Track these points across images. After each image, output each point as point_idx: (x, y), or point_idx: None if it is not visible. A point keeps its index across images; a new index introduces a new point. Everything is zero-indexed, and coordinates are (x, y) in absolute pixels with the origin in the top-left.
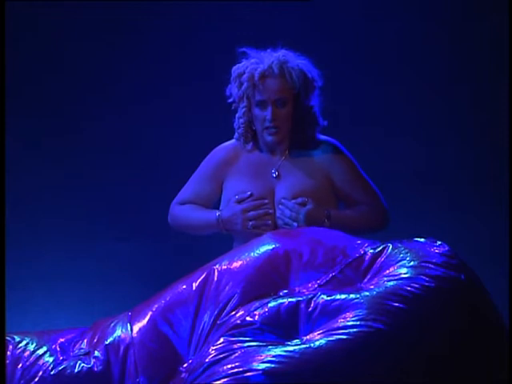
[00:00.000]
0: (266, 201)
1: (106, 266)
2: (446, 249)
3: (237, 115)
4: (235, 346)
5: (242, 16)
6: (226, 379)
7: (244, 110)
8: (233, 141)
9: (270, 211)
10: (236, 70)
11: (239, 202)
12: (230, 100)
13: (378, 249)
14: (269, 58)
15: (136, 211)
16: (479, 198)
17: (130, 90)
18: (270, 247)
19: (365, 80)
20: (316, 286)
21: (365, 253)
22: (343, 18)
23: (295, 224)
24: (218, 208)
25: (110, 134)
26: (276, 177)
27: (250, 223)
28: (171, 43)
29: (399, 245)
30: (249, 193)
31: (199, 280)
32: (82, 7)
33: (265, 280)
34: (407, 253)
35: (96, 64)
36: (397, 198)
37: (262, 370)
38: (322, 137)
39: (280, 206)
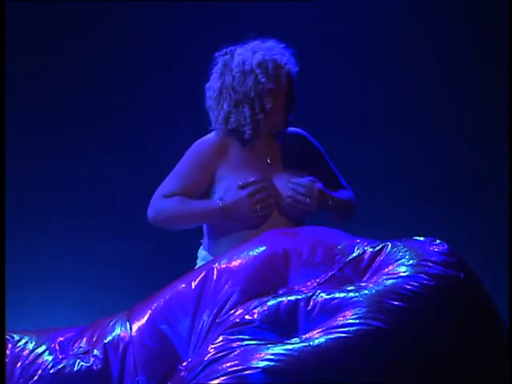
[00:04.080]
0: (266, 184)
1: (105, 265)
2: (445, 247)
3: (243, 111)
4: (234, 345)
5: (239, 16)
6: (225, 377)
7: (257, 102)
8: (212, 134)
9: (272, 193)
10: (250, 60)
11: (242, 187)
12: (236, 95)
13: (377, 247)
14: (275, 49)
15: (135, 210)
16: (479, 198)
17: (128, 91)
18: (269, 246)
19: (364, 79)
20: (315, 284)
21: (364, 251)
22: (343, 18)
23: (308, 201)
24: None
25: (110, 134)
26: (269, 163)
27: (258, 206)
28: (166, 42)
29: (398, 243)
30: (252, 178)
31: (198, 279)
32: (78, 6)
33: (264, 279)
34: (406, 251)
35: (91, 64)
36: (396, 197)
37: (262, 368)
38: (291, 128)
39: (290, 185)
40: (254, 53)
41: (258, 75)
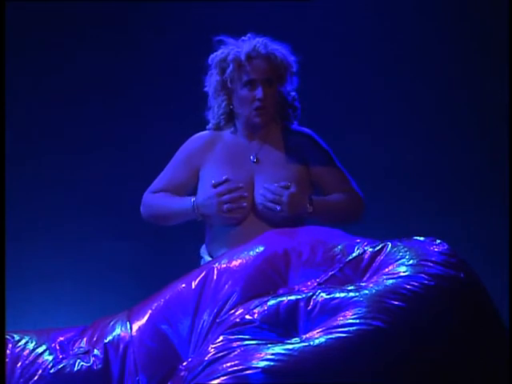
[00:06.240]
0: (241, 184)
1: (105, 266)
2: (446, 247)
3: (213, 107)
4: (234, 345)
5: (237, 17)
6: (225, 377)
7: (225, 102)
8: (208, 131)
9: (245, 194)
10: (216, 56)
11: (215, 186)
12: (205, 88)
13: (378, 247)
14: (250, 42)
15: (136, 211)
16: (479, 198)
17: (131, 92)
18: (270, 246)
19: (364, 80)
20: (315, 284)
21: (364, 251)
22: (344, 18)
23: (278, 207)
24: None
25: (111, 135)
26: (255, 162)
27: (225, 206)
28: (165, 42)
29: (398, 243)
30: (225, 177)
31: (198, 279)
32: (78, 6)
33: (264, 279)
34: (406, 251)
35: (91, 63)
36: (397, 197)
37: (262, 368)
38: (297, 127)
39: (261, 191)
40: (222, 49)
41: (218, 70)
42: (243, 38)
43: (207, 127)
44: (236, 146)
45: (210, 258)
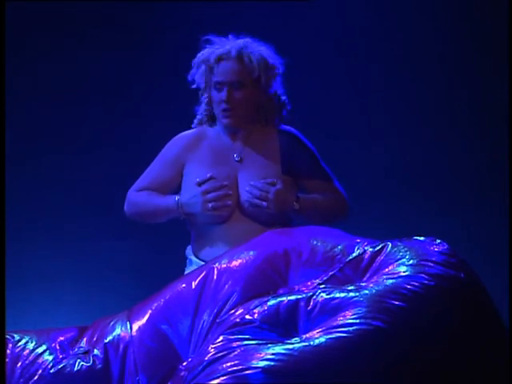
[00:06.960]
0: (226, 182)
1: (105, 266)
2: (446, 247)
3: (200, 104)
4: (234, 345)
5: (236, 17)
6: (225, 377)
7: (206, 100)
8: (194, 129)
9: (230, 192)
10: (199, 56)
11: (199, 184)
12: (193, 86)
13: (378, 247)
14: (229, 43)
15: None
16: (479, 198)
17: (131, 92)
18: (270, 246)
19: (364, 80)
20: (315, 284)
21: (364, 251)
22: (344, 18)
23: (264, 204)
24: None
25: (111, 134)
26: (238, 161)
27: (210, 204)
28: (164, 43)
29: (399, 243)
30: (209, 175)
31: (198, 279)
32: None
33: (264, 279)
34: (407, 251)
35: (91, 63)
36: (396, 197)
37: (262, 367)
38: (283, 126)
39: (247, 188)
40: (208, 48)
41: (197, 69)
42: (224, 38)
43: (192, 125)
44: (220, 145)
45: (195, 259)
